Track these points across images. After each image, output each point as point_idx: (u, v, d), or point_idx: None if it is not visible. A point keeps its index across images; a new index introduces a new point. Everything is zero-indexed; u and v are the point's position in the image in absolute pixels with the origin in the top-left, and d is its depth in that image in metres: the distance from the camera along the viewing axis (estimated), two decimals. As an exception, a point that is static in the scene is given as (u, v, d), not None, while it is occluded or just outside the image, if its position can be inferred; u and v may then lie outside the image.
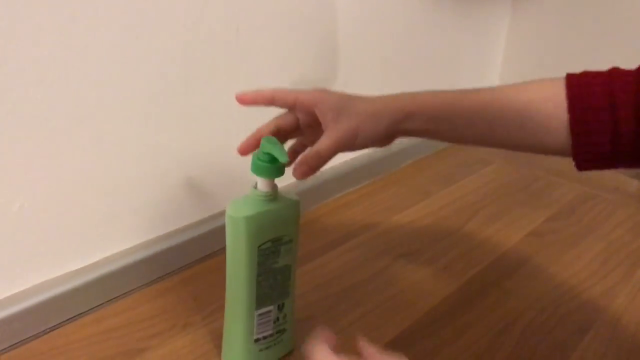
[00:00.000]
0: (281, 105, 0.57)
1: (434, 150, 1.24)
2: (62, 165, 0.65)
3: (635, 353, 0.68)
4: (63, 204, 0.67)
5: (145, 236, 0.77)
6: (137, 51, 0.67)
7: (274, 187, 0.56)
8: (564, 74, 0.55)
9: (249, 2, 0.76)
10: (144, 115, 0.71)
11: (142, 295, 0.75)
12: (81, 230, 0.70)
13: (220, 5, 0.73)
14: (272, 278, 0.59)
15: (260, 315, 0.60)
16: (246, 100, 0.56)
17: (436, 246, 0.89)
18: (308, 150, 0.55)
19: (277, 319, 0.62)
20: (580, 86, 0.52)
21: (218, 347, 0.64)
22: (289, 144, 0.63)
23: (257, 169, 0.55)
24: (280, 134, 0.58)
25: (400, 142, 1.14)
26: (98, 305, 0.72)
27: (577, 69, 0.55)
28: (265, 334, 0.61)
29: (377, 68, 1.04)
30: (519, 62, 1.35)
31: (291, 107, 0.57)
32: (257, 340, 0.61)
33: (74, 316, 0.70)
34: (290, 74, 0.87)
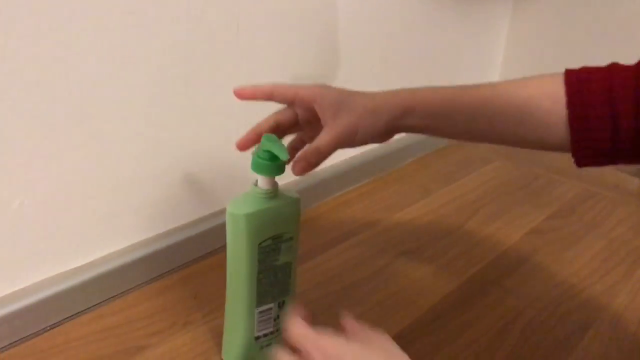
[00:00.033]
0: (280, 101, 0.56)
1: (434, 149, 1.24)
2: (62, 163, 0.65)
3: (636, 351, 0.68)
4: (63, 202, 0.67)
5: (145, 234, 0.77)
6: (137, 49, 0.67)
7: (275, 184, 0.56)
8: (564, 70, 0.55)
9: (250, 1, 0.76)
10: (144, 114, 0.71)
11: (142, 294, 0.75)
12: (81, 228, 0.70)
13: (221, 3, 0.73)
14: (273, 276, 0.59)
15: (260, 312, 0.60)
16: (244, 94, 0.56)
17: (437, 244, 0.89)
18: (307, 147, 0.55)
19: (278, 316, 0.62)
20: (579, 82, 0.52)
21: (218, 344, 0.64)
22: (287, 139, 0.62)
23: (257, 167, 0.55)
24: (280, 129, 0.58)
25: (400, 140, 1.15)
26: (98, 303, 0.72)
27: (577, 66, 0.55)
28: (265, 331, 0.61)
29: (378, 67, 1.04)
30: (519, 60, 1.35)
31: (290, 103, 0.57)
32: (257, 338, 0.61)
33: (74, 314, 0.70)
34: (291, 72, 0.87)
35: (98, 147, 0.68)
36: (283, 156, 0.52)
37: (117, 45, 0.65)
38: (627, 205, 1.04)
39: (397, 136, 1.16)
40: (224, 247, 0.58)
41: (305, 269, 0.80)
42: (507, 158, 1.21)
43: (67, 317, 0.69)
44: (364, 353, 0.45)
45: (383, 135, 0.58)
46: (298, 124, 0.58)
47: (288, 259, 0.59)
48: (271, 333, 0.62)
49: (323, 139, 0.54)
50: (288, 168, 0.55)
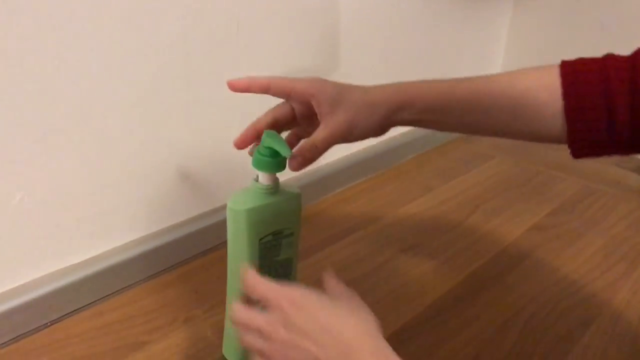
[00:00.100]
0: (276, 94, 0.56)
1: (435, 145, 1.24)
2: (62, 159, 0.65)
3: (637, 347, 0.68)
4: (63, 198, 0.66)
5: (146, 230, 0.77)
6: (138, 45, 0.67)
7: (275, 180, 0.56)
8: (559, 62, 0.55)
9: (250, -5, 0.76)
10: (144, 110, 0.71)
11: (142, 290, 0.75)
12: (81, 224, 0.70)
13: (221, 1, 0.73)
14: (274, 271, 0.59)
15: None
16: (238, 86, 0.55)
17: (438, 241, 0.89)
18: (304, 142, 0.54)
19: (279, 312, 0.61)
20: (574, 73, 0.52)
21: (219, 340, 0.64)
22: (282, 135, 0.62)
23: (258, 164, 0.54)
24: (278, 125, 0.57)
25: (401, 137, 1.15)
26: (98, 299, 0.72)
27: (578, 61, 0.55)
28: (266, 327, 0.61)
29: (378, 64, 1.04)
30: (520, 58, 1.35)
31: (287, 96, 0.56)
32: (258, 334, 0.61)
33: (74, 310, 0.70)
34: (291, 68, 0.87)
35: (98, 143, 0.67)
36: (285, 152, 0.51)
37: (117, 43, 0.65)
38: (628, 202, 1.03)
39: (397, 133, 1.17)
40: (224, 243, 0.58)
41: (306, 265, 0.80)
42: (507, 154, 1.21)
43: (67, 314, 0.69)
44: (331, 304, 0.46)
45: (379, 130, 0.57)
46: (295, 120, 0.58)
47: (289, 254, 0.59)
48: (272, 329, 0.62)
49: (319, 134, 0.54)
50: (288, 164, 0.55)
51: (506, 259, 0.85)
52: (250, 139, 0.57)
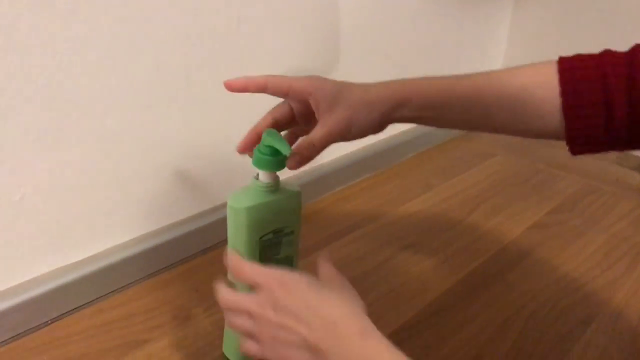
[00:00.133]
0: (274, 93, 0.56)
1: (435, 143, 1.24)
2: (63, 157, 0.65)
3: (637, 346, 0.68)
4: (64, 196, 0.66)
5: (147, 228, 0.77)
6: (137, 43, 0.67)
7: (276, 178, 0.56)
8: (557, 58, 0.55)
9: (250, -7, 0.76)
10: (144, 107, 0.71)
11: (142, 288, 0.75)
12: (82, 221, 0.70)
13: (221, -5, 0.73)
14: (274, 269, 0.59)
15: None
16: (236, 86, 0.55)
17: (439, 238, 0.89)
18: (302, 140, 0.54)
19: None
20: (572, 70, 0.53)
21: (220, 338, 0.64)
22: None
23: (258, 162, 0.54)
24: (278, 126, 0.57)
25: (401, 135, 1.15)
26: (99, 297, 0.72)
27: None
28: (266, 325, 0.61)
29: (379, 59, 1.04)
30: (521, 55, 1.34)
31: (285, 95, 0.56)
32: (258, 332, 0.61)
33: (75, 308, 0.70)
34: (291, 64, 0.87)
35: (99, 141, 0.67)
36: (285, 151, 0.51)
37: (118, 38, 0.65)
38: (629, 200, 1.03)
39: (398, 131, 1.17)
40: (225, 242, 0.57)
41: (307, 263, 0.79)
42: (508, 152, 1.21)
43: (68, 311, 0.69)
44: (320, 286, 0.48)
45: (377, 127, 0.57)
46: (295, 119, 0.58)
47: (289, 252, 0.59)
48: (272, 327, 0.62)
49: (317, 133, 0.54)
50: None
51: (506, 257, 0.85)
52: (252, 142, 0.57)
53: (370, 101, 0.55)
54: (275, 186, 0.56)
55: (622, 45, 0.54)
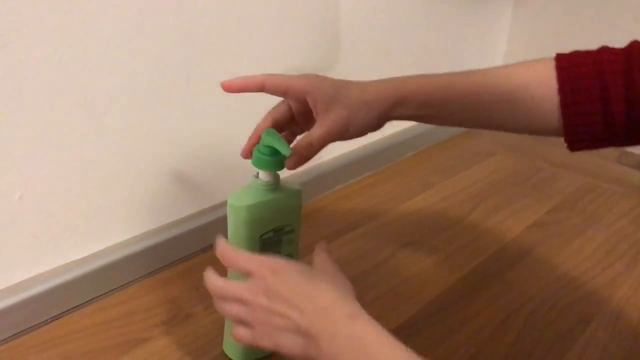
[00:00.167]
0: (273, 92, 0.56)
1: (435, 142, 1.24)
2: (63, 155, 0.65)
3: (637, 344, 0.68)
4: (63, 194, 0.66)
5: (147, 226, 0.77)
6: (138, 40, 0.66)
7: (276, 176, 0.56)
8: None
9: (251, -9, 0.76)
10: (144, 106, 0.70)
11: (143, 286, 0.75)
12: (81, 220, 0.70)
13: (222, -7, 0.73)
14: (274, 268, 0.59)
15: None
16: (234, 87, 0.55)
17: (439, 237, 0.89)
18: (300, 140, 0.55)
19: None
20: (570, 67, 0.53)
21: (220, 337, 0.64)
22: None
23: (258, 162, 0.54)
24: (278, 126, 0.58)
25: (401, 134, 1.14)
26: (99, 296, 0.72)
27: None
28: (267, 324, 0.61)
29: (380, 58, 1.04)
30: (522, 52, 1.34)
31: (283, 94, 0.56)
32: (258, 331, 0.61)
33: (75, 306, 0.70)
34: (292, 63, 0.87)
35: (99, 138, 0.67)
36: (285, 151, 0.51)
37: (119, 35, 0.65)
38: (629, 198, 1.03)
39: (397, 129, 1.17)
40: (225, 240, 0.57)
41: (307, 261, 0.79)
42: (508, 151, 1.21)
43: (68, 310, 0.69)
44: (311, 272, 0.49)
45: (375, 126, 0.57)
46: (294, 118, 0.58)
47: (289, 251, 0.59)
48: (272, 325, 0.62)
49: (315, 133, 0.54)
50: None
51: (507, 256, 0.85)
52: (255, 146, 0.57)
53: (368, 100, 0.55)
54: (276, 185, 0.56)
55: (622, 43, 0.54)
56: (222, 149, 0.81)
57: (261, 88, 0.55)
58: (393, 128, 1.11)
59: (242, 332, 0.49)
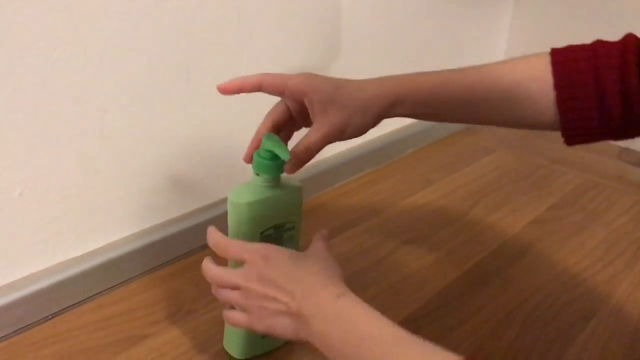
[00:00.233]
0: (270, 92, 0.56)
1: (435, 139, 1.24)
2: (63, 152, 0.65)
3: (637, 341, 0.68)
4: (64, 191, 0.66)
5: (147, 223, 0.77)
6: (138, 38, 0.66)
7: (277, 173, 0.56)
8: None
9: (251, -13, 0.76)
10: (144, 103, 0.70)
11: (142, 283, 0.75)
12: (81, 217, 0.69)
13: (222, -11, 0.72)
14: (275, 265, 0.59)
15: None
16: (230, 88, 0.55)
17: (439, 234, 0.89)
18: (298, 144, 0.55)
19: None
20: (565, 63, 0.53)
21: (220, 333, 0.64)
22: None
23: (258, 166, 0.55)
24: (278, 128, 0.58)
25: (401, 131, 1.14)
26: (99, 293, 0.72)
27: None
28: (267, 320, 0.61)
29: (380, 56, 1.03)
30: (523, 50, 1.34)
31: (280, 94, 0.56)
32: (259, 327, 0.61)
33: (75, 303, 0.70)
34: (292, 59, 0.87)
35: (97, 137, 0.67)
36: (284, 156, 0.52)
37: (118, 33, 0.64)
38: (630, 196, 1.03)
39: (398, 126, 1.17)
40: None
41: (307, 258, 0.80)
42: (509, 148, 1.21)
43: (68, 307, 0.69)
44: (301, 257, 0.51)
45: (371, 126, 0.58)
46: (293, 118, 0.59)
47: (290, 248, 0.59)
48: (273, 322, 0.62)
49: (313, 137, 0.54)
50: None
51: (507, 253, 0.85)
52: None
53: (365, 103, 0.56)
54: (276, 182, 0.56)
55: (620, 36, 0.54)
56: (222, 147, 0.81)
57: (258, 88, 0.55)
58: (393, 125, 1.11)
59: (238, 317, 0.52)
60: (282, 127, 0.58)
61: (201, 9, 0.71)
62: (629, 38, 0.52)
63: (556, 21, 1.28)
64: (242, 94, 0.56)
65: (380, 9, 1.00)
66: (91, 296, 0.71)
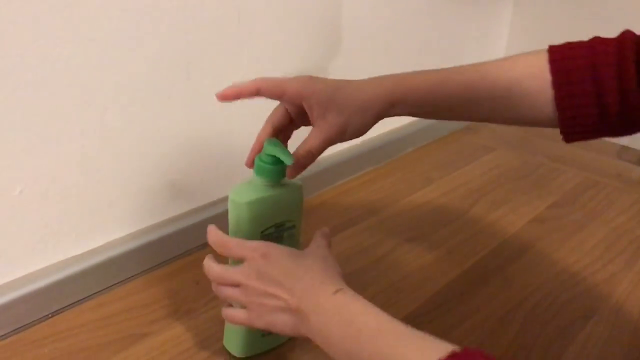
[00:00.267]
0: (268, 96, 0.56)
1: (435, 137, 1.24)
2: (63, 151, 0.65)
3: (637, 339, 0.68)
4: (64, 189, 0.66)
5: (147, 222, 0.77)
6: (138, 36, 0.66)
7: (277, 172, 0.56)
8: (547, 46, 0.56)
9: (251, -15, 0.76)
10: (144, 102, 0.70)
11: (143, 281, 0.75)
12: (81, 216, 0.69)
13: (222, -12, 0.72)
14: (275, 263, 0.59)
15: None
16: (229, 95, 0.55)
17: (439, 232, 0.89)
18: (299, 149, 0.55)
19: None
20: (563, 60, 0.53)
21: (220, 332, 0.64)
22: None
23: (260, 171, 0.55)
24: (278, 131, 0.58)
25: (401, 130, 1.14)
26: (100, 291, 0.72)
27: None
28: (267, 319, 0.61)
29: (379, 53, 1.03)
30: (522, 48, 1.34)
31: (279, 98, 0.57)
32: (259, 326, 0.61)
33: (76, 302, 0.70)
34: (292, 59, 0.87)
35: (97, 136, 0.67)
36: (288, 160, 0.52)
37: (118, 32, 0.64)
38: (629, 194, 1.03)
39: (398, 125, 1.17)
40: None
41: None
42: (509, 146, 1.21)
43: (69, 305, 0.69)
44: (300, 254, 0.52)
45: (371, 126, 0.58)
46: (292, 120, 0.59)
47: (291, 247, 0.59)
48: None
49: (314, 141, 0.55)
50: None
51: (507, 251, 0.85)
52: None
53: (364, 104, 0.56)
54: (277, 181, 0.56)
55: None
56: (222, 146, 0.81)
57: (256, 94, 0.55)
58: (393, 124, 1.11)
59: (238, 314, 0.53)
60: (282, 130, 0.59)
61: (201, 9, 0.71)
62: (626, 35, 0.52)
63: (556, 20, 1.28)
64: (241, 96, 0.56)
65: (380, 9, 0.99)
66: (91, 295, 0.71)
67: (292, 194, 0.58)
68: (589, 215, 0.96)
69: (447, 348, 0.40)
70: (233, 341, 0.62)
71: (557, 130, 0.56)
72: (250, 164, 0.57)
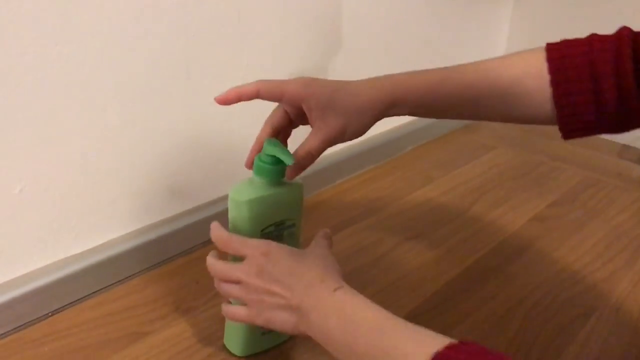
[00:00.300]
0: (267, 98, 0.56)
1: (435, 136, 1.24)
2: (63, 149, 0.65)
3: (637, 337, 0.68)
4: (64, 188, 0.66)
5: (147, 220, 0.77)
6: (138, 35, 0.66)
7: (277, 170, 0.56)
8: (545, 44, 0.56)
9: (251, -16, 0.76)
10: (144, 100, 0.70)
11: (143, 280, 0.75)
12: (82, 214, 0.69)
13: (222, -13, 0.72)
14: (275, 262, 0.59)
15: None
16: (229, 98, 0.55)
17: (439, 231, 0.89)
18: (298, 150, 0.55)
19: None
20: (561, 59, 0.54)
21: (220, 331, 0.64)
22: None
23: (260, 171, 0.55)
24: (277, 132, 0.58)
25: (401, 128, 1.14)
26: (100, 289, 0.72)
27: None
28: (267, 318, 0.61)
29: (380, 54, 1.03)
30: (523, 46, 1.34)
31: (278, 100, 0.57)
32: (259, 324, 0.61)
33: (76, 300, 0.70)
34: (292, 58, 0.87)
35: (98, 134, 0.67)
36: (288, 160, 0.52)
37: (118, 30, 0.64)
38: (630, 193, 1.03)
39: (398, 124, 1.17)
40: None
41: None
42: (509, 145, 1.21)
43: (69, 303, 0.69)
44: (300, 253, 0.53)
45: (370, 126, 0.58)
46: (292, 121, 0.59)
47: (291, 245, 0.59)
48: (273, 319, 0.62)
49: (313, 142, 0.55)
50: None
51: (507, 250, 0.85)
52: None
53: (363, 105, 0.56)
54: (277, 179, 0.56)
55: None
56: (222, 145, 0.81)
57: (255, 96, 0.56)
58: (393, 123, 1.11)
59: (238, 311, 0.53)
60: (282, 131, 0.59)
61: (201, 8, 0.71)
62: (624, 31, 0.53)
63: (556, 20, 1.28)
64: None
65: (380, 8, 0.99)
66: (91, 293, 0.71)
67: (292, 193, 0.58)
68: (589, 214, 0.96)
69: (444, 341, 0.41)
70: (233, 340, 0.62)
71: (557, 129, 0.57)
72: (250, 165, 0.57)
